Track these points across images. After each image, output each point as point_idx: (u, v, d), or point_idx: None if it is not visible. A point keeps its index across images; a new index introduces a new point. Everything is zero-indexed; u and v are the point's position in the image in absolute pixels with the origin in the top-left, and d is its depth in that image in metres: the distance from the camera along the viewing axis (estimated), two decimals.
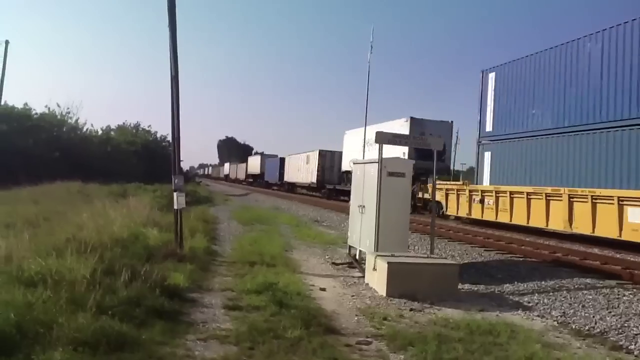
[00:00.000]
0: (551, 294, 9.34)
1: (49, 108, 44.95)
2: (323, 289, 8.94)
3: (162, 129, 58.96)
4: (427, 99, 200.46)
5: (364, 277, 9.91)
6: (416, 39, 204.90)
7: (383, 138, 10.56)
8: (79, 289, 6.17)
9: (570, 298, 9.00)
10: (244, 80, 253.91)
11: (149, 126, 55.49)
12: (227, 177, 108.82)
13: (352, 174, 12.33)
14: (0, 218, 13.32)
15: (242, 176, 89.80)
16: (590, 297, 9.09)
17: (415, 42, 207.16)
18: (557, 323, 7.56)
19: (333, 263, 11.76)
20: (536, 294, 9.29)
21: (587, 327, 7.34)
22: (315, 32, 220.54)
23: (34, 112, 42.84)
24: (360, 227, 11.19)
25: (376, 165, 10.31)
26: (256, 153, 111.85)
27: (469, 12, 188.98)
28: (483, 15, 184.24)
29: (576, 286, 10.00)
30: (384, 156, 10.24)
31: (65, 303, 5.66)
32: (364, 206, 11.03)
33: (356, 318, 7.22)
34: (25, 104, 43.03)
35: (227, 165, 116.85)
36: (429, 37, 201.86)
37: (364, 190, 11.13)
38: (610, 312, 8.12)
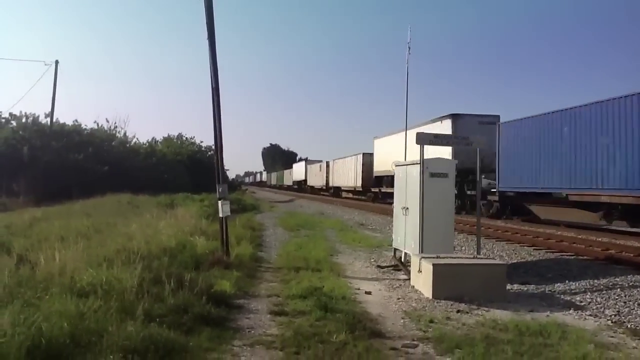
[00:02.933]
0: (604, 292, 9.05)
1: (97, 124, 46.54)
2: (368, 293, 8.91)
3: (207, 139, 59.94)
4: (468, 98, 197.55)
5: (409, 279, 9.82)
6: (454, 38, 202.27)
7: (424, 139, 10.47)
8: (128, 298, 6.36)
9: (625, 296, 8.69)
10: (287, 87, 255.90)
11: (193, 137, 56.56)
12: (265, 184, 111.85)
13: (395, 175, 12.25)
14: (55, 231, 13.83)
15: (289, 182, 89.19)
16: None
17: (453, 41, 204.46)
18: (611, 322, 7.31)
19: (378, 266, 11.70)
20: (589, 293, 9.01)
21: None
22: (352, 35, 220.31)
23: (84, 127, 44.36)
24: (405, 229, 11.11)
25: (418, 166, 10.23)
26: (300, 159, 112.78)
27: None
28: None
29: (631, 284, 9.65)
30: (427, 157, 10.17)
31: (115, 312, 5.84)
32: (407, 208, 10.95)
33: (402, 321, 7.16)
34: (75, 121, 44.66)
35: (273, 174, 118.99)
36: (467, 36, 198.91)
37: (407, 191, 11.06)
38: None
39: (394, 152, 29.00)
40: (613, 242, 14.76)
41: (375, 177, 40.87)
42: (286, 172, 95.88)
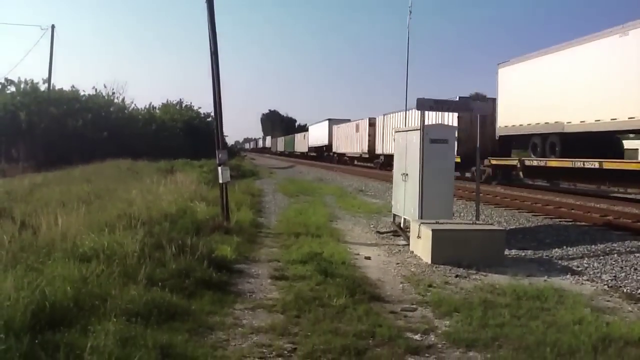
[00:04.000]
0: (602, 257, 9.13)
1: (96, 89, 46.17)
2: (368, 258, 8.99)
3: (205, 106, 59.56)
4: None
5: (408, 245, 9.90)
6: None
7: (424, 104, 10.42)
8: (130, 263, 6.42)
9: (622, 261, 8.77)
10: (289, 52, 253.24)
11: (190, 103, 56.17)
12: (269, 150, 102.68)
13: (395, 142, 12.23)
14: (55, 197, 13.88)
15: (303, 149, 72.15)
16: None
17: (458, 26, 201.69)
18: (608, 287, 7.40)
19: (378, 232, 11.78)
20: (586, 258, 9.10)
21: (639, 291, 7.16)
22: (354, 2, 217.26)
23: (82, 94, 44.06)
24: (404, 195, 11.15)
25: (418, 132, 10.21)
26: (299, 125, 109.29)
27: None
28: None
29: (628, 249, 9.73)
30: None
31: (118, 276, 5.90)
32: (407, 174, 10.96)
33: (401, 285, 7.25)
34: (73, 87, 44.34)
35: (279, 139, 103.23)
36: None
37: (407, 158, 11.06)
38: None
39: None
40: (611, 208, 14.81)
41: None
42: (298, 135, 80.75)
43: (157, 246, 7.34)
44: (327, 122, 57.62)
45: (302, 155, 71.08)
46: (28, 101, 39.50)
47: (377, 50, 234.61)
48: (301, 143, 74.40)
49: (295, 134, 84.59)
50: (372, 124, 41.12)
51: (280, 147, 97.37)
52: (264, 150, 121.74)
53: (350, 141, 47.22)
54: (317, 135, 62.49)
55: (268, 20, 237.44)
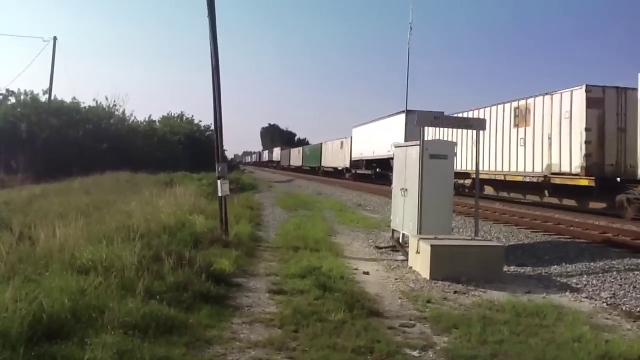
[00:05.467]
0: (600, 275, 9.11)
1: (96, 101, 46.18)
2: (366, 273, 8.97)
3: (206, 118, 59.65)
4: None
5: (407, 260, 9.88)
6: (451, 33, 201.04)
7: (425, 120, 10.46)
8: (128, 275, 6.40)
9: (621, 279, 8.76)
10: (287, 66, 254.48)
11: (192, 116, 56.26)
12: (277, 164, 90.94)
13: (394, 157, 12.25)
14: (54, 208, 13.85)
15: (296, 163, 71.40)
16: None
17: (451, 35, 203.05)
18: (607, 304, 7.38)
19: (376, 247, 11.76)
20: (585, 275, 9.08)
21: (638, 309, 7.13)
22: (353, 17, 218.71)
23: (82, 105, 44.10)
24: (403, 210, 11.15)
25: (417, 147, 10.23)
26: (299, 140, 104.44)
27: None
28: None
29: (627, 267, 9.71)
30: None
31: (116, 288, 5.89)
32: (406, 189, 10.97)
33: (399, 301, 7.23)
34: (74, 98, 44.35)
35: (295, 150, 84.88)
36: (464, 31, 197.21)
37: (406, 173, 11.07)
38: None
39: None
40: (610, 225, 14.80)
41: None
42: (332, 144, 54.09)
43: (155, 258, 7.32)
44: (403, 115, 33.78)
45: (336, 174, 51.59)
46: (28, 112, 39.53)
47: (376, 63, 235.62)
48: (337, 155, 51.96)
49: (327, 142, 56.22)
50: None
51: (297, 159, 71.90)
52: (269, 164, 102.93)
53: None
54: (371, 138, 40.17)
55: (266, 34, 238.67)
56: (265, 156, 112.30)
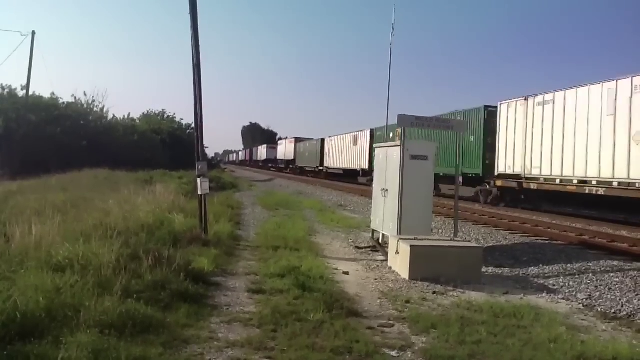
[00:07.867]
0: (577, 276, 9.23)
1: (75, 97, 45.64)
2: (346, 273, 8.97)
3: (187, 116, 59.35)
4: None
5: (387, 260, 9.90)
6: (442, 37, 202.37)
7: (406, 121, 10.49)
8: (105, 274, 6.32)
9: (597, 281, 8.87)
10: (270, 66, 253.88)
11: (174, 114, 55.92)
12: (254, 163, 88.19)
13: (375, 157, 12.29)
14: (31, 205, 13.63)
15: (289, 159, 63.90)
16: (618, 279, 8.95)
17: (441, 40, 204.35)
18: (583, 306, 7.48)
19: (356, 247, 11.78)
20: (562, 277, 9.19)
21: (613, 310, 7.24)
22: (336, 19, 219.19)
23: (61, 101, 43.54)
24: (384, 210, 11.17)
25: (399, 148, 10.26)
26: (280, 139, 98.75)
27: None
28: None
29: (603, 269, 9.85)
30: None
31: (92, 287, 5.79)
32: (387, 190, 11.00)
33: (379, 301, 7.24)
34: (52, 94, 43.77)
35: (261, 148, 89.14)
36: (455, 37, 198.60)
37: (387, 173, 11.10)
38: (637, 294, 7.97)
39: None
40: (587, 228, 15.01)
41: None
42: (340, 140, 45.33)
43: (133, 257, 7.24)
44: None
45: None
46: (6, 107, 38.88)
47: (362, 64, 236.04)
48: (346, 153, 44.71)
49: (360, 132, 41.06)
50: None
51: (314, 159, 53.86)
52: (264, 163, 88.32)
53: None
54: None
55: (250, 32, 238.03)
56: (258, 153, 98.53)
